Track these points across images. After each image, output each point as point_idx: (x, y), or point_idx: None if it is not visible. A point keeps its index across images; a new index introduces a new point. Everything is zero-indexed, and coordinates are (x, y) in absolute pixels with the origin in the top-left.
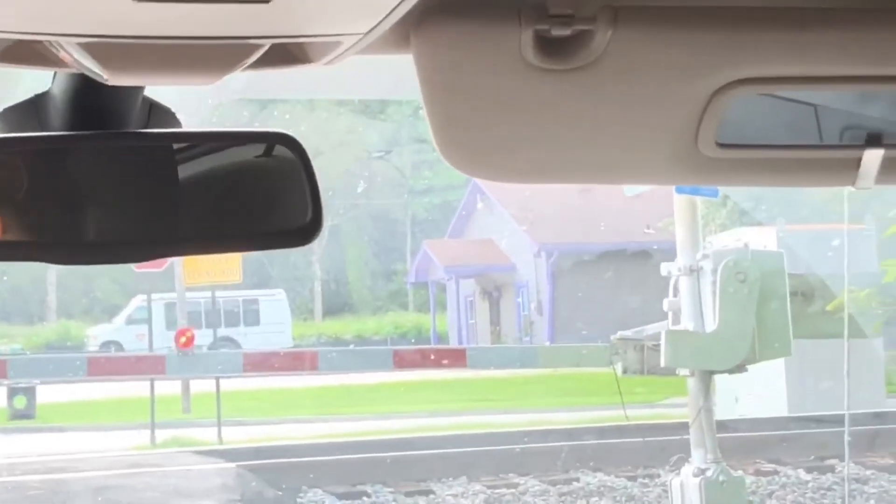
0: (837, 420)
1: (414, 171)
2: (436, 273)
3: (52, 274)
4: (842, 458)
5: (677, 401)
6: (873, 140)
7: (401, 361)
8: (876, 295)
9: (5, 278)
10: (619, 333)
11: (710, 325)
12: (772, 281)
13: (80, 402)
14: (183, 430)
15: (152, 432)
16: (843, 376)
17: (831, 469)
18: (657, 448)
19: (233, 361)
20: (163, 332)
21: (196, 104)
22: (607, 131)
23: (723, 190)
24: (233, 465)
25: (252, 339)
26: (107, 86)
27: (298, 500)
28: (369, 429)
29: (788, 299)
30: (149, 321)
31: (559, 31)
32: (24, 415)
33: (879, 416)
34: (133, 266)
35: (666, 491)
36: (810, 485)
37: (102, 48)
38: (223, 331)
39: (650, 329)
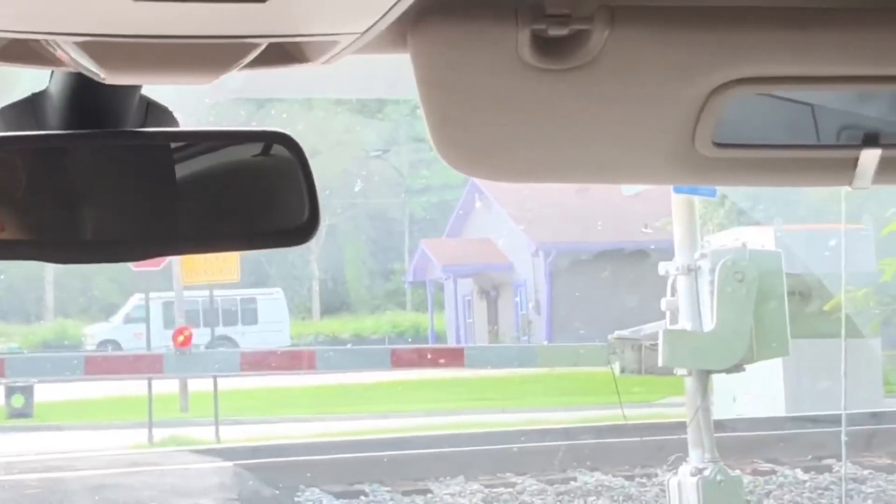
0: (834, 420)
1: (411, 170)
2: (433, 272)
3: (49, 273)
4: (839, 458)
5: (675, 400)
6: (870, 140)
7: (398, 361)
8: (873, 295)
9: (2, 277)
10: (617, 333)
11: (708, 324)
12: (769, 281)
13: (77, 401)
14: (180, 428)
15: (150, 431)
16: (841, 376)
17: (828, 469)
18: (655, 447)
19: (230, 360)
20: (160, 331)
21: (193, 103)
22: (604, 131)
23: (721, 189)
24: (230, 464)
25: (250, 339)
26: (104, 85)
27: (296, 499)
28: (367, 428)
29: (786, 299)
30: (146, 320)
31: (556, 31)
32: (21, 413)
33: (877, 416)
34: (130, 265)
35: (663, 490)
36: (807, 484)
37: (100, 47)
38: (221, 330)
39: (648, 328)
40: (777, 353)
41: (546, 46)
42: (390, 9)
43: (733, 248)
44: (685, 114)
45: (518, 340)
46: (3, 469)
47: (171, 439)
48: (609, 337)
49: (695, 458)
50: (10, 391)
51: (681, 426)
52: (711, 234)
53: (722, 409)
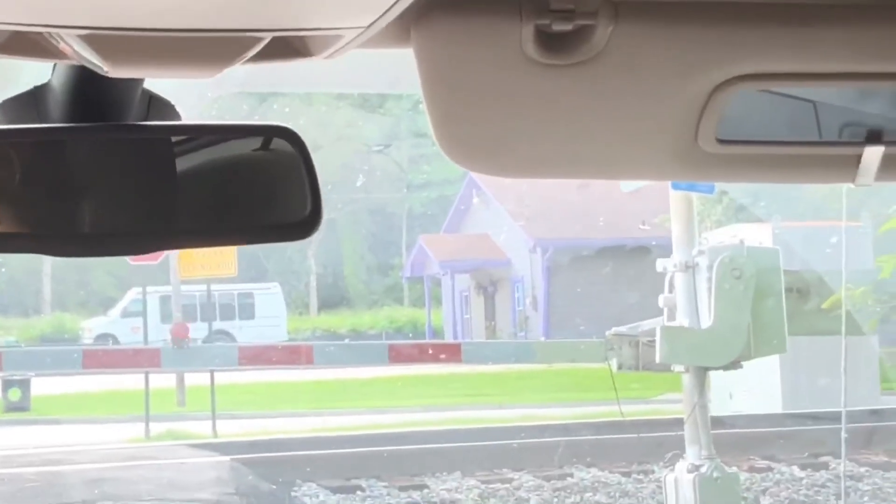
0: (832, 417)
1: (412, 165)
2: (431, 268)
3: (47, 266)
4: (836, 455)
5: (672, 397)
6: (873, 137)
7: (396, 356)
8: (871, 292)
9: (1, 270)
10: (614, 329)
11: (706, 321)
12: (767, 277)
13: (75, 395)
14: (178, 423)
15: (147, 425)
16: (839, 373)
17: (825, 466)
18: (652, 444)
19: (228, 355)
20: (158, 325)
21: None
22: (607, 127)
23: (719, 186)
24: (227, 458)
25: (247, 333)
26: (106, 78)
27: (293, 493)
28: (364, 423)
29: (784, 296)
30: (144, 314)
31: (560, 27)
32: (19, 407)
33: (874, 413)
34: (128, 259)
35: (660, 487)
36: (804, 481)
37: (103, 40)
38: (218, 324)
39: (645, 325)
40: (774, 350)
41: (550, 42)
42: (394, 3)
43: (731, 245)
44: (688, 110)
45: (515, 336)
46: (1, 463)
47: (168, 433)
48: (606, 333)
49: (692, 454)
50: (8, 384)
51: (678, 423)
52: (710, 231)
53: (719, 405)
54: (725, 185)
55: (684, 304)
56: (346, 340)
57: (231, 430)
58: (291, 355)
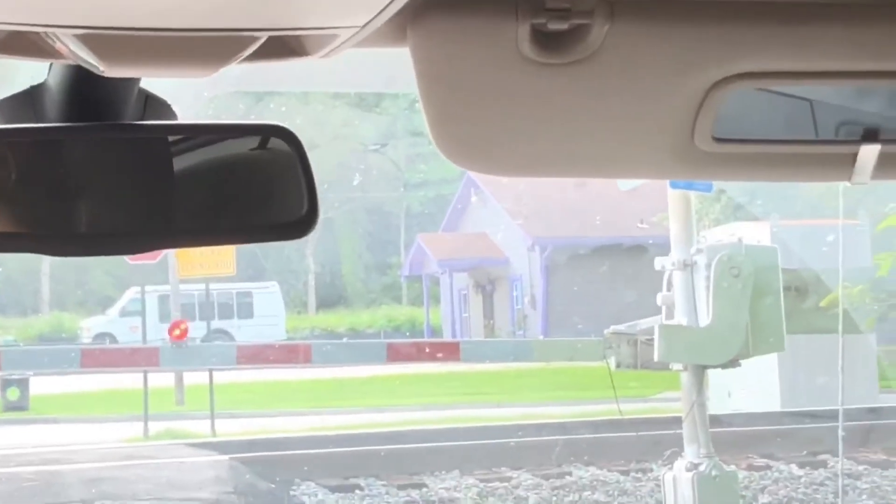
0: (830, 415)
1: (409, 164)
2: (430, 266)
3: (45, 265)
4: (834, 454)
5: (670, 395)
6: (870, 135)
7: (394, 355)
8: (869, 290)
9: (0, 269)
10: (613, 328)
11: (704, 319)
12: (765, 276)
13: (73, 394)
14: (176, 422)
15: (145, 424)
16: (837, 371)
17: (824, 464)
18: (650, 442)
19: (226, 354)
20: (156, 325)
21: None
22: (604, 125)
23: (717, 185)
24: (226, 457)
25: (246, 332)
26: (103, 77)
27: (291, 492)
28: (362, 422)
29: (782, 294)
30: (142, 313)
31: (556, 25)
32: (17, 406)
33: (872, 412)
34: (127, 258)
35: (658, 485)
36: (803, 480)
37: (99, 40)
38: (217, 323)
39: (644, 323)
40: (773, 349)
41: (546, 41)
42: (390, 3)
43: (729, 244)
44: (684, 108)
45: (514, 335)
46: (0, 462)
47: (166, 432)
48: (605, 332)
49: (690, 452)
50: (6, 384)
51: (676, 421)
52: (708, 230)
53: (717, 404)
54: (723, 184)
55: (682, 303)
56: (345, 339)
57: (230, 429)
58: (290, 354)
